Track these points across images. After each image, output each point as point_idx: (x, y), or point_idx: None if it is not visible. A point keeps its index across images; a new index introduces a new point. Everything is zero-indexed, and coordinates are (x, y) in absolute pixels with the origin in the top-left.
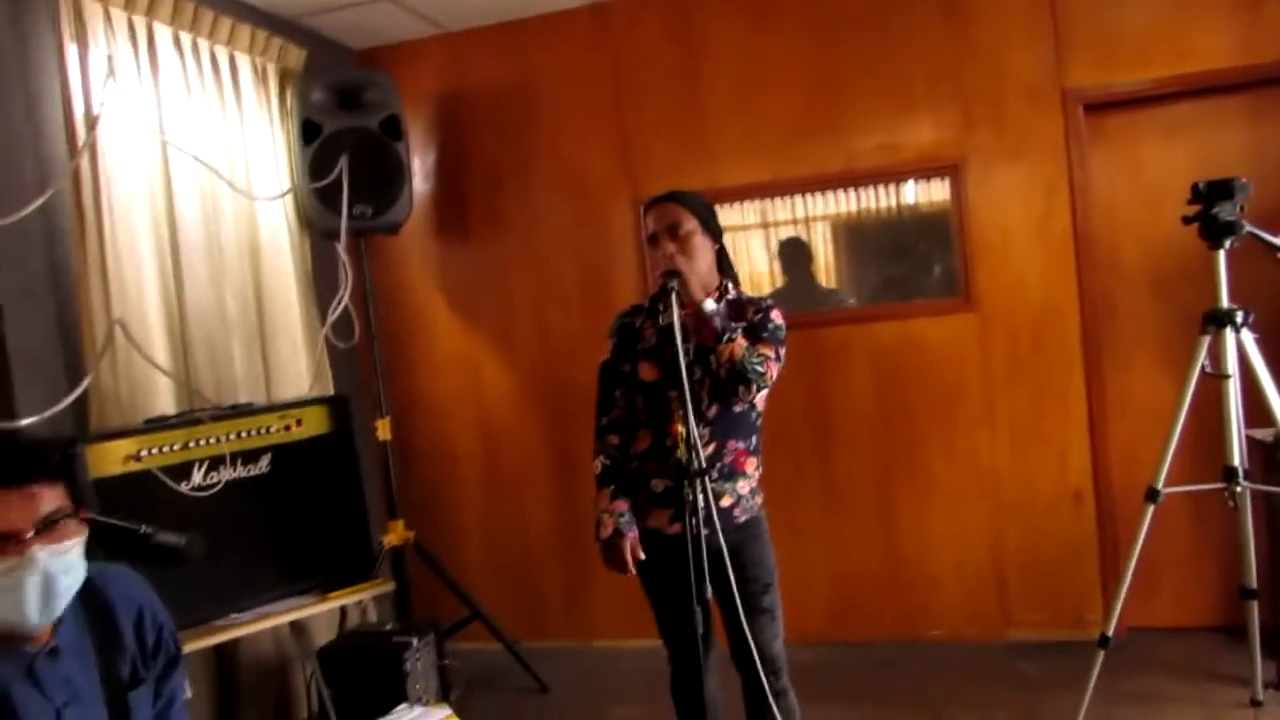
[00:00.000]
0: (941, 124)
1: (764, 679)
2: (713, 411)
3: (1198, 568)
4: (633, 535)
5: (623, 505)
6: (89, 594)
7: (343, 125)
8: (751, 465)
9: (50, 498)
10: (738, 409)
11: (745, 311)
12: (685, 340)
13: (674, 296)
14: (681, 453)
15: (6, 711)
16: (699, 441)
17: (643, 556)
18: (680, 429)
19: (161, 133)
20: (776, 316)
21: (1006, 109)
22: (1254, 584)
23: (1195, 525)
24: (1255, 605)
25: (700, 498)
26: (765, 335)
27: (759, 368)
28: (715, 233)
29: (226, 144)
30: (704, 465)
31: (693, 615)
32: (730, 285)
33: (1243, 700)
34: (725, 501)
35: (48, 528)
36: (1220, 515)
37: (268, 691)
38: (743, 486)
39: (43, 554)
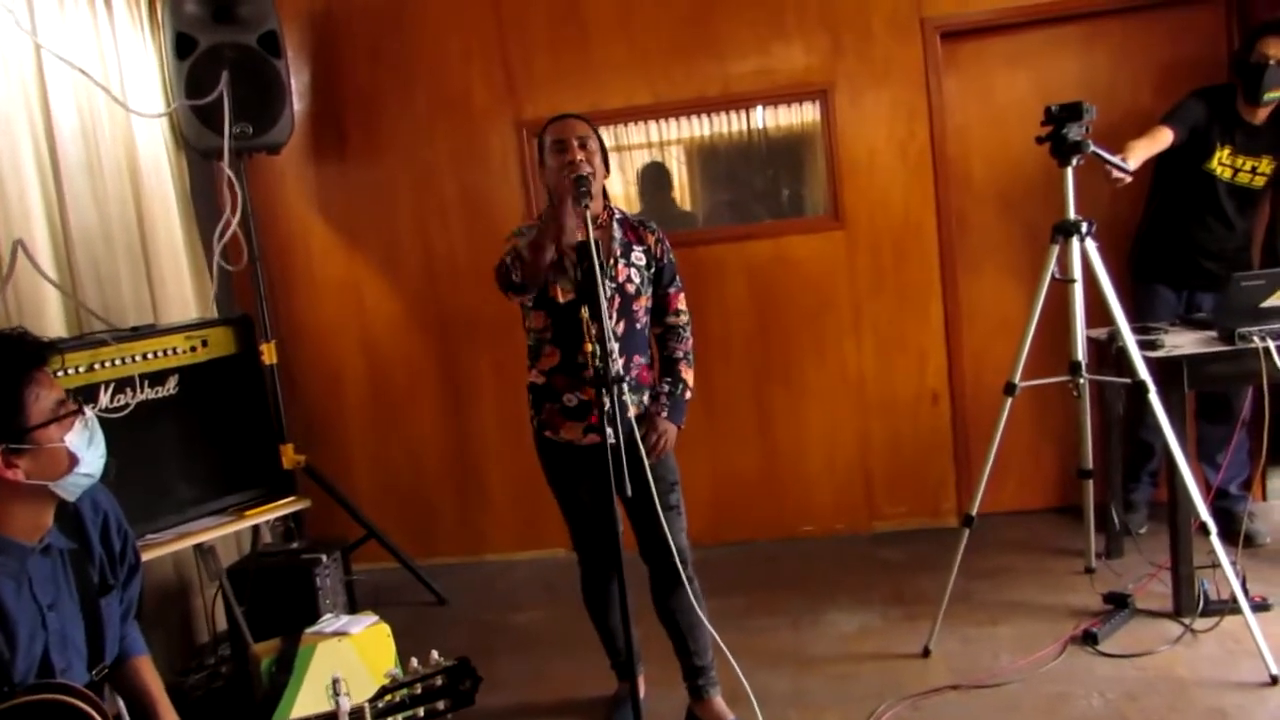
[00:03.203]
0: (811, 50)
1: (678, 565)
2: (621, 328)
3: (1037, 457)
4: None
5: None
6: (58, 501)
7: (219, 40)
8: (650, 377)
9: None
10: (639, 325)
11: (645, 236)
12: (599, 255)
13: (587, 212)
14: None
15: None
16: (616, 352)
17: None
18: (590, 347)
19: (34, 34)
20: (671, 252)
21: (872, 36)
22: (1090, 465)
23: (1035, 418)
24: (1090, 484)
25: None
26: (677, 283)
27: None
28: (606, 165)
29: (100, 59)
30: (622, 374)
31: (612, 513)
32: (615, 208)
33: (1078, 569)
34: (633, 412)
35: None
36: (1056, 409)
37: (170, 615)
38: (645, 397)
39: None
